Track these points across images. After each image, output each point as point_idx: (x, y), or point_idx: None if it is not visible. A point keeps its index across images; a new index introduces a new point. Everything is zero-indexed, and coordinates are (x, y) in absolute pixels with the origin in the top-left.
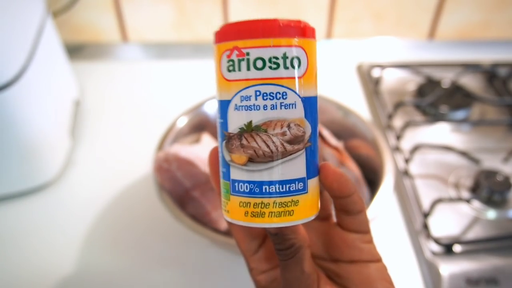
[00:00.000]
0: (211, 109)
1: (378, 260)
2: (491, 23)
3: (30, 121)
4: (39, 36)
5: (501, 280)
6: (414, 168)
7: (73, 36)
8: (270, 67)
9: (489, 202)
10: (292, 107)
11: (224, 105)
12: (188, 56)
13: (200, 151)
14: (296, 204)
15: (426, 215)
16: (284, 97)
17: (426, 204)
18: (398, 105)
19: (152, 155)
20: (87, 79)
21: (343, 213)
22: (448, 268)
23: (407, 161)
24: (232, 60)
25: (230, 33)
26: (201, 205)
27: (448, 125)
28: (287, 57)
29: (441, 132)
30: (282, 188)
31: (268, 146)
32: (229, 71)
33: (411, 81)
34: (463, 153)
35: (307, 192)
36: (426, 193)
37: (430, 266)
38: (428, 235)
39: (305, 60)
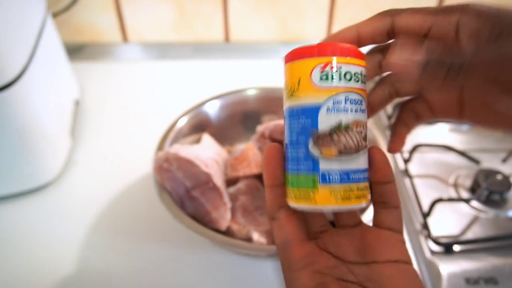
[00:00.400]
0: (211, 109)
1: (409, 262)
2: None
3: (30, 121)
4: (39, 37)
5: (500, 279)
6: (413, 168)
7: (73, 37)
8: (355, 80)
9: (489, 202)
10: (364, 112)
11: (312, 109)
12: (188, 57)
13: (200, 151)
14: (367, 189)
15: (425, 215)
16: (361, 103)
17: (425, 204)
18: (398, 105)
19: (152, 155)
20: (87, 79)
21: (381, 206)
22: (447, 268)
23: (406, 161)
24: (326, 72)
25: (324, 50)
26: (201, 205)
27: (448, 125)
28: (361, 74)
29: (441, 132)
30: (361, 175)
31: (353, 141)
32: (322, 80)
33: None
34: (463, 153)
35: (369, 180)
36: (426, 193)
37: (430, 265)
38: (428, 235)
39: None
